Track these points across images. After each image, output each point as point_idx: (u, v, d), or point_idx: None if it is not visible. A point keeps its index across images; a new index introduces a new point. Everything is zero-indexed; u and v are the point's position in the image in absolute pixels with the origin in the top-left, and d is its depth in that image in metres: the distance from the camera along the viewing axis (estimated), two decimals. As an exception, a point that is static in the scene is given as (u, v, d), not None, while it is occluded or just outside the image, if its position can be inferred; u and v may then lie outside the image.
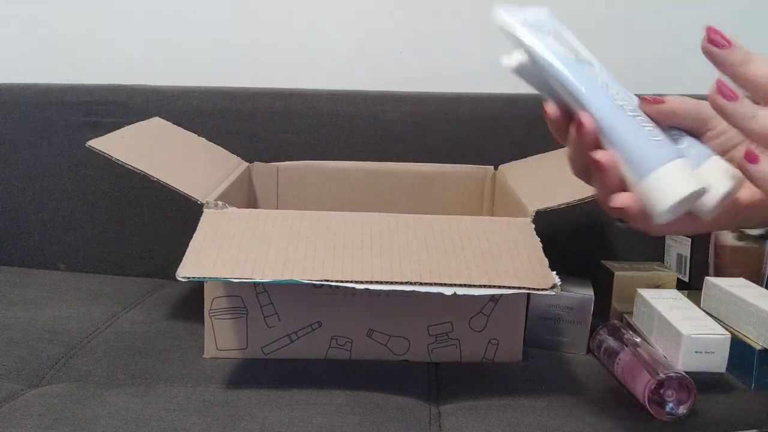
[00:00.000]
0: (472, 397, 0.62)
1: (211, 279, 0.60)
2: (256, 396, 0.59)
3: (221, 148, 0.91)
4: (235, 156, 0.92)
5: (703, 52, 0.38)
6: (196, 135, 0.91)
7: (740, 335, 0.66)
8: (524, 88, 1.07)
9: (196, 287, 0.78)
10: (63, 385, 0.61)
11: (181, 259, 0.57)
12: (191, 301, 0.83)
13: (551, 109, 0.43)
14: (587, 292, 0.71)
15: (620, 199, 0.40)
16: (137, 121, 0.85)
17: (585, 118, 0.41)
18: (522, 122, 0.97)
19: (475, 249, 0.61)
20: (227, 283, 0.66)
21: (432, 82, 1.01)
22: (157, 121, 0.89)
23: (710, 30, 0.38)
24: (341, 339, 0.68)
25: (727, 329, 0.64)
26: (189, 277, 0.55)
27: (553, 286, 0.56)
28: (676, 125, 0.41)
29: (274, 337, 0.68)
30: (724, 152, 0.41)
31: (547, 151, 0.89)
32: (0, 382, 0.61)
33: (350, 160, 0.93)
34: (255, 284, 0.66)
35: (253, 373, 0.65)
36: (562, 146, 0.99)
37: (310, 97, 0.98)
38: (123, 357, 0.67)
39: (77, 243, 0.98)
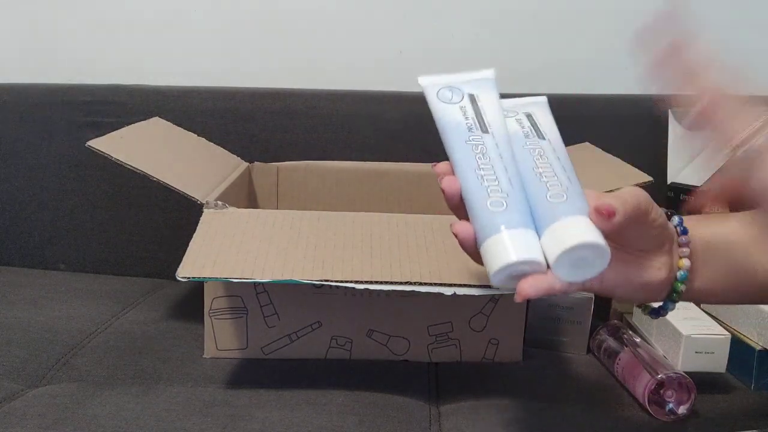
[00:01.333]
0: (472, 397, 0.62)
1: (211, 279, 0.60)
2: (256, 396, 0.59)
3: (221, 148, 0.91)
4: (235, 156, 0.92)
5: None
6: (196, 135, 0.90)
7: (740, 335, 0.66)
8: (524, 89, 1.07)
9: (196, 287, 0.78)
10: (63, 385, 0.61)
11: (181, 259, 0.56)
12: (191, 301, 0.83)
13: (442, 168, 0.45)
14: (587, 293, 0.71)
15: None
16: (137, 121, 0.85)
17: (445, 183, 0.43)
18: (522, 122, 0.97)
19: (475, 249, 0.61)
20: (227, 283, 0.66)
21: (432, 82, 1.01)
22: (157, 121, 0.89)
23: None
24: (341, 339, 0.68)
25: (727, 329, 0.64)
26: (189, 277, 0.55)
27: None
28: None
29: (274, 337, 0.68)
30: (649, 238, 0.43)
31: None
32: (0, 382, 0.61)
33: (350, 160, 0.93)
34: (255, 284, 0.66)
35: (253, 373, 0.65)
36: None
37: (310, 97, 0.98)
38: (123, 357, 0.67)
39: (77, 243, 0.98)
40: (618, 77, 1.03)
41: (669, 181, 0.91)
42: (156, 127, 0.88)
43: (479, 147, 0.44)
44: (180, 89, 1.00)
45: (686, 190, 0.88)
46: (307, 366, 0.66)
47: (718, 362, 0.63)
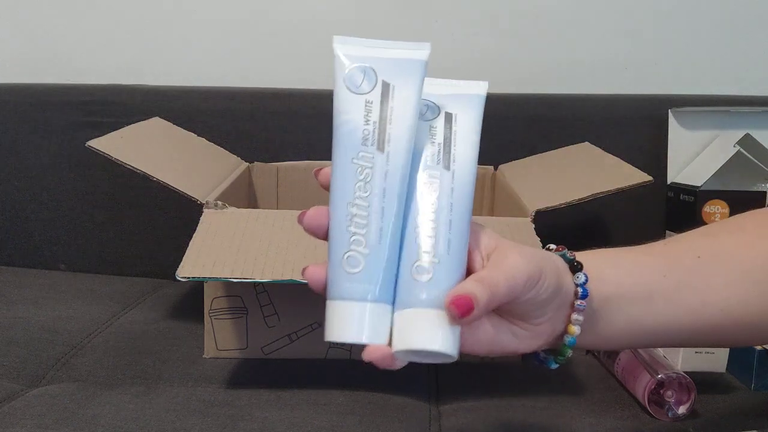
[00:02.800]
0: (472, 397, 0.62)
1: (211, 279, 0.60)
2: (256, 396, 0.59)
3: (221, 148, 0.91)
4: (235, 156, 0.91)
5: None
6: (196, 135, 0.90)
7: (740, 335, 0.65)
8: (524, 89, 1.06)
9: (196, 287, 0.78)
10: (63, 385, 0.61)
11: (181, 259, 0.57)
12: (191, 301, 0.83)
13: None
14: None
15: None
16: (137, 121, 0.85)
17: (308, 219, 0.36)
18: (522, 122, 0.96)
19: (475, 249, 0.61)
20: (227, 283, 0.66)
21: (432, 82, 1.01)
22: (157, 121, 0.89)
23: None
24: (341, 339, 0.68)
25: (727, 329, 0.64)
26: (189, 277, 0.55)
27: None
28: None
29: (274, 337, 0.68)
30: (526, 311, 0.37)
31: (547, 151, 0.89)
32: (0, 382, 0.61)
33: (350, 160, 0.93)
34: (255, 284, 0.66)
35: (253, 373, 0.65)
36: (562, 146, 0.99)
37: (310, 97, 0.98)
38: (123, 357, 0.67)
39: (77, 243, 0.98)
40: (618, 77, 1.03)
41: (669, 181, 0.92)
42: (156, 127, 0.88)
43: (365, 171, 0.35)
44: (180, 89, 1.00)
45: (686, 190, 0.88)
46: (307, 366, 0.66)
47: (718, 362, 0.63)
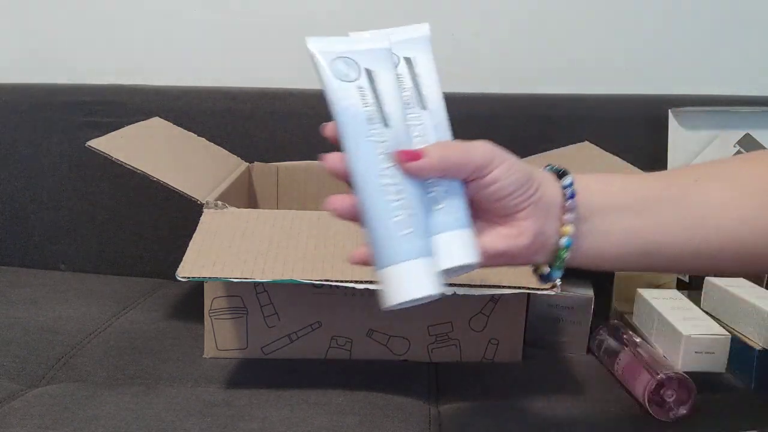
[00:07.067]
0: (472, 397, 0.62)
1: (211, 279, 0.60)
2: (256, 396, 0.59)
3: (221, 148, 0.91)
4: (235, 156, 0.92)
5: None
6: (196, 135, 0.91)
7: (740, 335, 0.65)
8: (525, 88, 1.06)
9: (196, 287, 0.78)
10: (63, 385, 0.61)
11: (181, 259, 0.57)
12: (191, 301, 0.83)
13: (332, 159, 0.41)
14: (587, 292, 0.71)
15: None
16: (137, 121, 0.85)
17: (338, 203, 0.41)
18: (522, 122, 0.96)
19: (475, 249, 0.61)
20: (227, 283, 0.66)
21: (432, 82, 1.01)
22: (157, 121, 0.89)
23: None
24: (341, 339, 0.68)
25: (727, 329, 0.64)
26: (189, 277, 0.55)
27: (553, 286, 0.56)
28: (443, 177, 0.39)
29: (274, 337, 0.68)
30: (497, 200, 0.39)
31: (547, 151, 0.89)
32: (0, 382, 0.61)
33: (350, 160, 0.93)
34: (255, 284, 0.66)
35: (253, 373, 0.65)
36: (562, 146, 0.99)
37: (310, 97, 0.98)
38: (123, 357, 0.67)
39: (77, 243, 0.98)
40: (618, 77, 1.03)
41: (669, 181, 0.91)
42: (156, 127, 0.88)
43: (381, 146, 0.38)
44: (180, 89, 1.00)
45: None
46: (307, 366, 0.66)
47: (718, 362, 0.63)
